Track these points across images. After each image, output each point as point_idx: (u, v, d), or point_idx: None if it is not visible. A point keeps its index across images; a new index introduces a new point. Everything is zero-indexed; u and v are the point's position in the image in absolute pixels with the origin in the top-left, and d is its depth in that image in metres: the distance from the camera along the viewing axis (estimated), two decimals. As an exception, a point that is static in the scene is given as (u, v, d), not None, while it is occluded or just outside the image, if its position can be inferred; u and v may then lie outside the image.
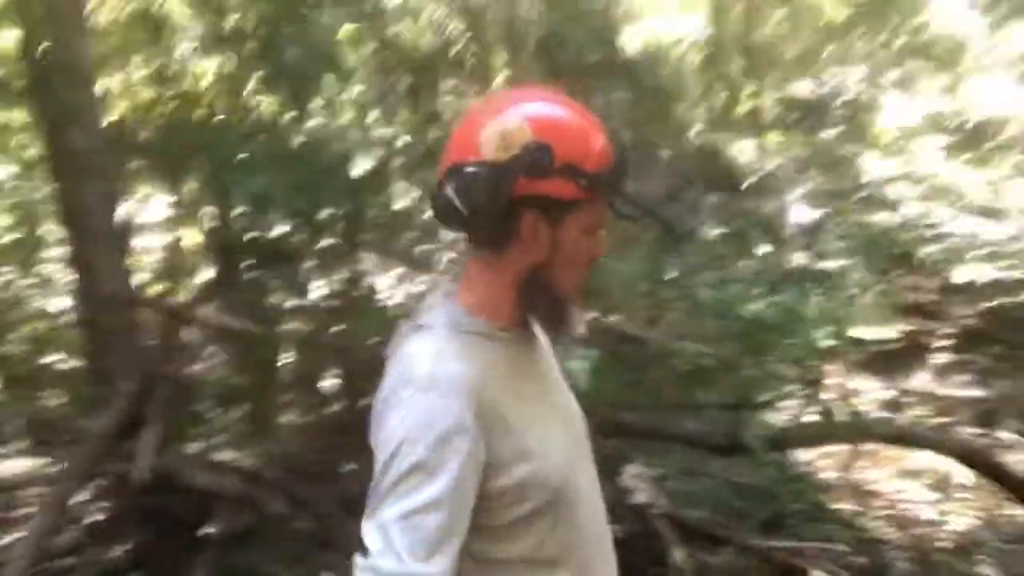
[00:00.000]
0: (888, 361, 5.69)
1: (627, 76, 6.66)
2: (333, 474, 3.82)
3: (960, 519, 4.18)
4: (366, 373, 3.37)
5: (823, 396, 4.50)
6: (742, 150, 7.75)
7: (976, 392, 5.53)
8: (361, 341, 4.05)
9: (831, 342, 3.91)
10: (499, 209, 1.08)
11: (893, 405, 5.46)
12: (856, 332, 4.53)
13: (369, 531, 1.04)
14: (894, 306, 5.52)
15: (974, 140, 7.18)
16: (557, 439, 1.18)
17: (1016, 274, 5.81)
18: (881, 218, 6.48)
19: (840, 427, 4.09)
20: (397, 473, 1.04)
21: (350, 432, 3.27)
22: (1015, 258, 5.85)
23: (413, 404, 1.06)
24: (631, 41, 7.18)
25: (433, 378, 1.08)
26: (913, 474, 4.56)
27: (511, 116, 1.10)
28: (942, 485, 4.40)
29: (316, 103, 4.96)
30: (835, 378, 5.07)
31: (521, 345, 1.21)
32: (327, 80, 4.90)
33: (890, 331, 5.27)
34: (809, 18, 9.16)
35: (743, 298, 4.07)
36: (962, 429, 5.22)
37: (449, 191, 1.08)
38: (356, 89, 5.63)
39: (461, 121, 1.19)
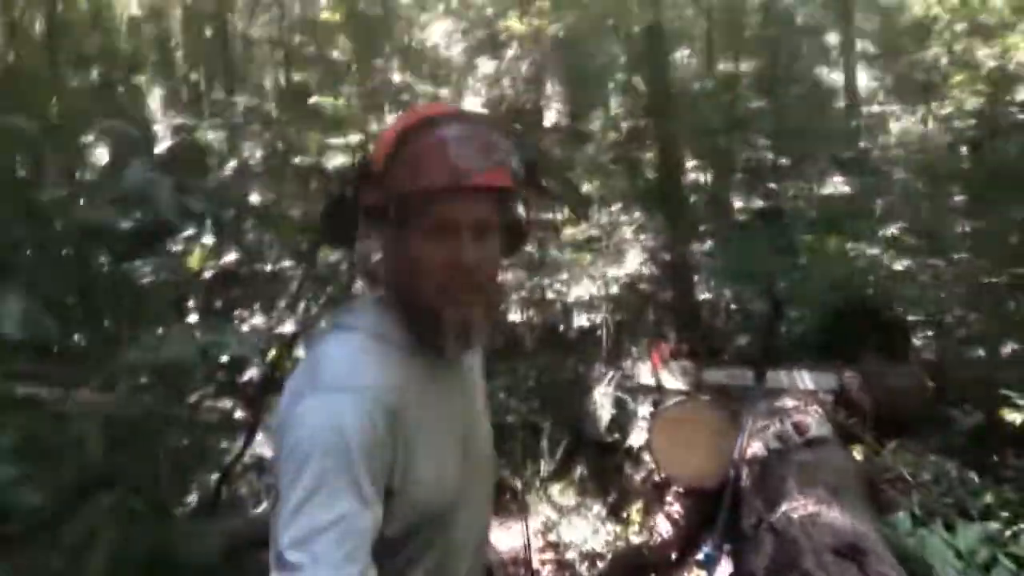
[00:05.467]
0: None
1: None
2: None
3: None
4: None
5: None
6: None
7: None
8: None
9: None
10: (340, 220, 1.02)
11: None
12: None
13: (293, 547, 0.85)
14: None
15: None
16: (451, 466, 1.04)
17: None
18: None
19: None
20: (313, 480, 0.88)
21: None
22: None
23: (319, 408, 0.92)
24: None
25: (344, 380, 0.95)
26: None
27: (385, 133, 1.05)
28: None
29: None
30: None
31: (437, 365, 1.05)
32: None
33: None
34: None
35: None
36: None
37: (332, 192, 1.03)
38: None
39: None
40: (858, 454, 3.14)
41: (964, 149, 8.31)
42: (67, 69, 5.94)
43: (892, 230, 7.66)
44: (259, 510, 4.36)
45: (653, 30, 6.23)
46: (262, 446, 4.41)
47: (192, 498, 3.52)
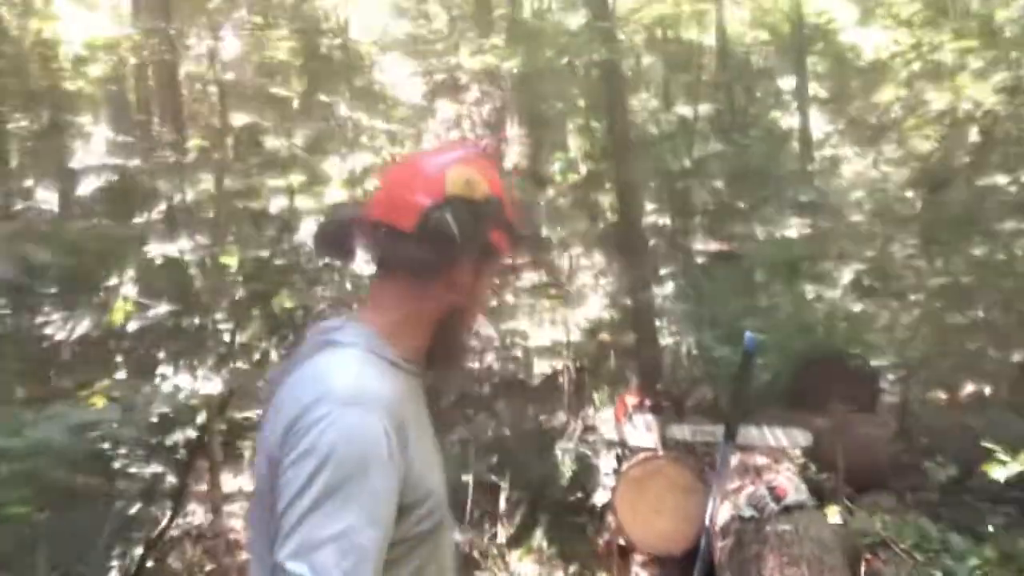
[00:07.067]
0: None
1: None
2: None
3: None
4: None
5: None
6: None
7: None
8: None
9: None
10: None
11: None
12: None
13: (294, 558, 0.83)
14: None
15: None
16: (438, 475, 1.04)
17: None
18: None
19: None
20: (322, 492, 0.85)
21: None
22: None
23: (335, 419, 0.89)
24: None
25: (356, 393, 0.93)
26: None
27: (469, 165, 1.06)
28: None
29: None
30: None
31: (416, 379, 1.06)
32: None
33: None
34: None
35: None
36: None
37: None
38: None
39: (407, 163, 1.24)
40: (834, 515, 2.92)
41: (913, 193, 8.36)
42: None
43: (848, 273, 7.65)
44: None
45: (608, 69, 6.12)
46: (193, 515, 4.08)
47: (113, 576, 3.17)
